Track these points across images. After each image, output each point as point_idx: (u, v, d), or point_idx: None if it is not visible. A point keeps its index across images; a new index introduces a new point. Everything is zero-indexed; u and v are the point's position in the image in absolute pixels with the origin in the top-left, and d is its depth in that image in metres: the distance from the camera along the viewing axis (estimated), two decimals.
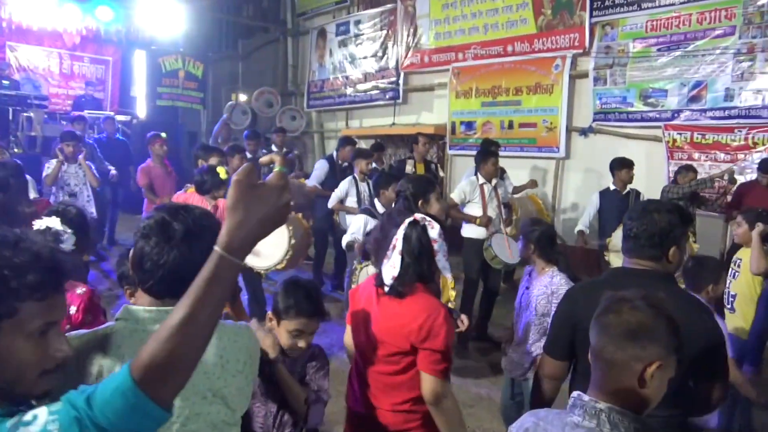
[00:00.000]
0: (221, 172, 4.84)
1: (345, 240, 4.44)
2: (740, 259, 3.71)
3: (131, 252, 1.37)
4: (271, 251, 4.57)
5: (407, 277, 1.99)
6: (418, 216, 2.09)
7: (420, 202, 3.15)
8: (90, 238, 2.62)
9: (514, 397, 3.37)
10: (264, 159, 1.11)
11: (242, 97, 10.38)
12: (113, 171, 7.05)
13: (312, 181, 6.48)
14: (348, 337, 2.27)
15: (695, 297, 2.10)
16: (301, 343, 2.06)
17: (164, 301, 1.34)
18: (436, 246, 2.01)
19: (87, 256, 2.44)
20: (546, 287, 3.06)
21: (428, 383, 1.94)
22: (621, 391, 1.35)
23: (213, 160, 4.25)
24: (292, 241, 4.55)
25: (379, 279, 2.08)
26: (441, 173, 8.17)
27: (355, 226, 4.41)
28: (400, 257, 2.00)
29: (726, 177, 5.54)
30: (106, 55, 11.26)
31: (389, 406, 2.05)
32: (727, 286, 3.73)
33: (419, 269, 1.99)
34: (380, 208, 4.42)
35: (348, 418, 2.27)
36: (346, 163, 6.76)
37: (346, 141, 6.82)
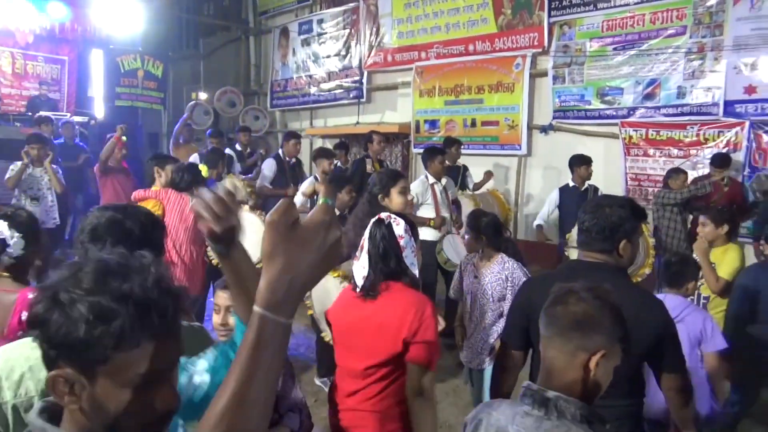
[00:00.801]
0: (203, 170, 4.79)
1: None
2: (714, 264, 3.77)
3: (75, 258, 1.34)
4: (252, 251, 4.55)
5: (376, 276, 2.00)
6: (383, 215, 2.11)
7: (380, 197, 3.16)
8: (41, 244, 2.55)
9: (476, 387, 3.43)
10: (306, 189, 0.98)
11: (202, 96, 10.21)
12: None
13: (261, 182, 6.41)
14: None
15: (645, 291, 2.15)
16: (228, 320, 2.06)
17: None
18: (402, 242, 2.03)
19: (39, 261, 2.36)
20: (499, 273, 3.17)
21: (416, 375, 1.95)
22: (568, 379, 1.38)
23: (168, 169, 4.14)
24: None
25: (353, 282, 2.09)
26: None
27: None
28: (368, 256, 2.02)
29: (724, 181, 5.33)
30: (61, 55, 10.92)
31: (371, 407, 2.04)
32: (697, 288, 3.82)
33: (386, 268, 2.01)
34: (336, 211, 4.42)
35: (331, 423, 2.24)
36: (293, 159, 6.72)
37: (290, 135, 6.77)
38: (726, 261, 3.67)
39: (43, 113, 8.22)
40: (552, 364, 1.42)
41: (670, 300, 2.93)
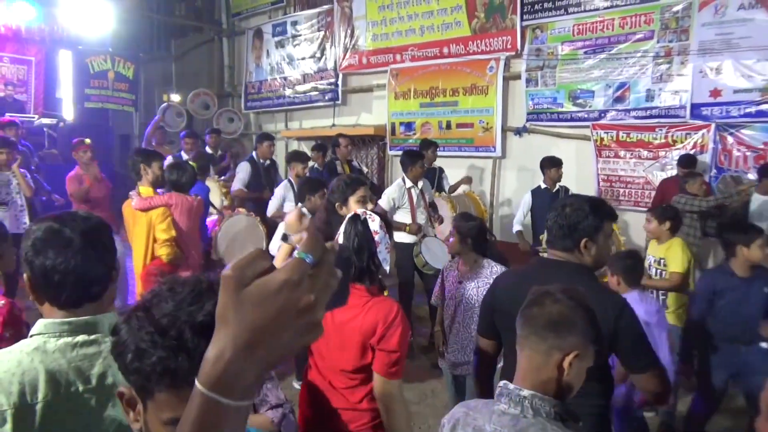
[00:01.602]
0: (194, 165, 4.74)
1: (273, 250, 4.33)
2: (664, 258, 3.93)
3: (25, 276, 1.30)
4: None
5: (349, 273, 1.99)
6: (358, 211, 2.12)
7: (338, 205, 3.11)
8: (3, 250, 2.51)
9: (458, 393, 3.38)
10: (294, 238, 0.78)
11: (174, 98, 10.07)
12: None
13: (236, 185, 6.37)
14: None
15: (604, 288, 2.19)
16: None
17: (77, 311, 1.30)
18: (377, 237, 2.02)
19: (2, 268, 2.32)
20: (486, 278, 3.15)
21: (380, 383, 1.95)
22: (543, 378, 1.42)
23: (156, 166, 4.05)
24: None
25: None
26: (365, 169, 8.19)
27: (278, 235, 4.29)
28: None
29: (750, 190, 5.15)
30: (28, 55, 10.65)
31: (346, 405, 2.05)
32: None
33: (359, 262, 2.00)
34: (307, 214, 4.39)
35: (303, 419, 2.24)
36: (267, 161, 6.69)
37: (263, 137, 6.74)
38: (673, 255, 3.87)
39: (8, 116, 8.01)
40: (527, 364, 1.45)
41: (646, 302, 3.09)
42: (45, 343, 1.24)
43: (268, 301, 0.58)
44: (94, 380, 1.23)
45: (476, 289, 3.17)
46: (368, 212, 2.10)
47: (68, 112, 10.66)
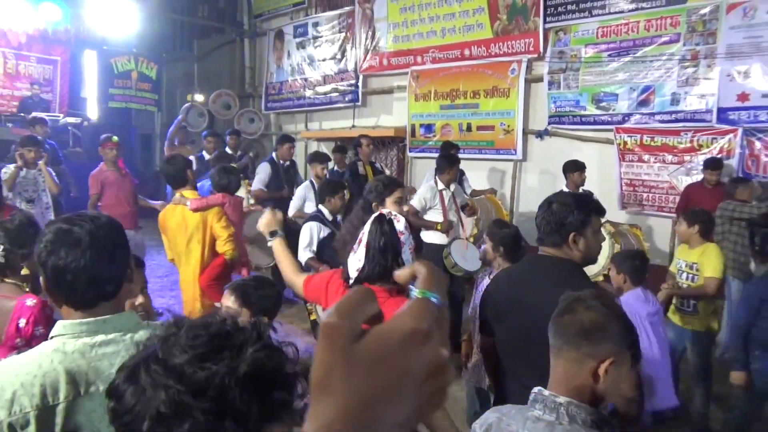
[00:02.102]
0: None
1: (302, 258, 4.37)
2: (696, 263, 3.85)
3: (41, 278, 1.32)
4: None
5: (371, 270, 2.00)
6: (384, 211, 2.13)
7: (375, 205, 3.12)
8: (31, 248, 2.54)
9: (481, 407, 3.30)
10: (402, 272, 0.57)
11: (198, 98, 10.17)
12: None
13: (256, 185, 6.40)
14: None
15: (596, 285, 2.28)
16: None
17: (93, 311, 1.31)
18: (402, 238, 2.03)
19: (26, 268, 2.35)
20: None
21: None
22: (577, 386, 1.40)
23: (191, 173, 4.15)
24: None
25: (344, 272, 2.09)
26: (386, 171, 8.22)
27: (305, 239, 4.34)
28: (365, 249, 2.02)
29: None
30: (54, 55, 10.86)
31: None
32: (684, 288, 3.89)
33: (384, 261, 2.00)
34: (328, 215, 4.43)
35: None
36: (287, 162, 6.72)
37: (283, 139, 6.77)
38: (708, 260, 3.79)
39: (36, 114, 8.16)
40: (562, 372, 1.43)
41: (647, 301, 3.13)
42: (64, 344, 1.25)
43: (389, 361, 0.44)
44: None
45: None
46: (393, 213, 2.11)
47: (92, 112, 10.85)
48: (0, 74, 10.28)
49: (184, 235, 3.89)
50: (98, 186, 5.84)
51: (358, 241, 2.07)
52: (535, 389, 1.46)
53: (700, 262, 3.82)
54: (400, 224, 2.05)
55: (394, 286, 2.02)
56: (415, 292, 0.48)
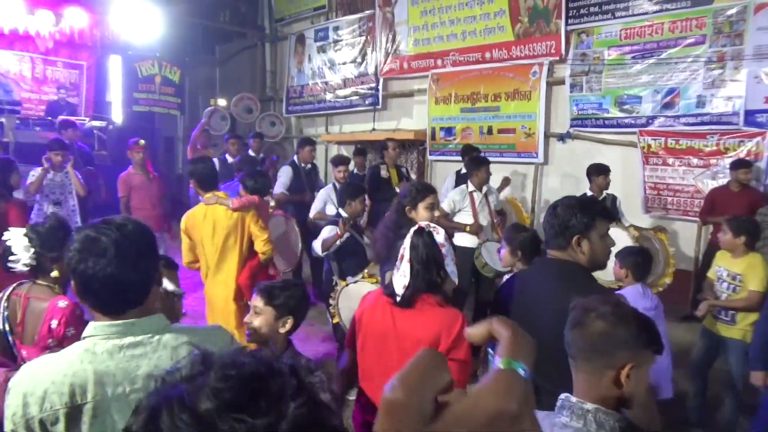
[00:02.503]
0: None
1: (317, 248, 4.37)
2: (741, 275, 3.71)
3: (72, 283, 1.34)
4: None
5: (417, 285, 2.00)
6: (422, 224, 2.12)
7: (408, 209, 3.13)
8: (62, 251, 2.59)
9: None
10: (476, 331, 0.53)
11: (221, 102, 10.27)
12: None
13: (278, 189, 6.44)
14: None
15: (602, 288, 2.18)
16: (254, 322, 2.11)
17: (121, 316, 1.33)
18: (444, 250, 2.04)
19: (56, 271, 2.39)
20: None
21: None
22: (602, 395, 1.39)
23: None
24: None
25: (389, 289, 2.08)
26: (413, 176, 8.24)
27: (320, 241, 4.36)
28: (409, 265, 2.01)
29: None
30: (80, 60, 11.07)
31: None
32: (724, 299, 3.78)
33: (428, 275, 2.01)
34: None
35: None
36: (309, 165, 6.75)
37: (305, 142, 6.80)
38: (754, 273, 3.64)
39: (64, 117, 8.32)
40: (584, 383, 1.43)
41: (645, 297, 3.12)
42: (95, 345, 1.28)
43: None
44: (140, 381, 1.26)
45: None
46: (431, 225, 2.11)
47: (117, 115, 11.02)
48: (28, 79, 10.52)
49: (218, 236, 3.86)
50: (126, 188, 5.94)
51: (400, 257, 2.06)
52: (562, 396, 1.45)
53: (745, 274, 3.67)
54: (440, 236, 2.06)
55: (439, 295, 2.03)
56: (499, 361, 0.40)
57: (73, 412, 1.21)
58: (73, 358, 1.26)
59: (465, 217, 5.08)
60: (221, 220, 3.83)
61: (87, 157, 7.61)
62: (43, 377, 1.24)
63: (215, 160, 6.62)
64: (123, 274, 1.27)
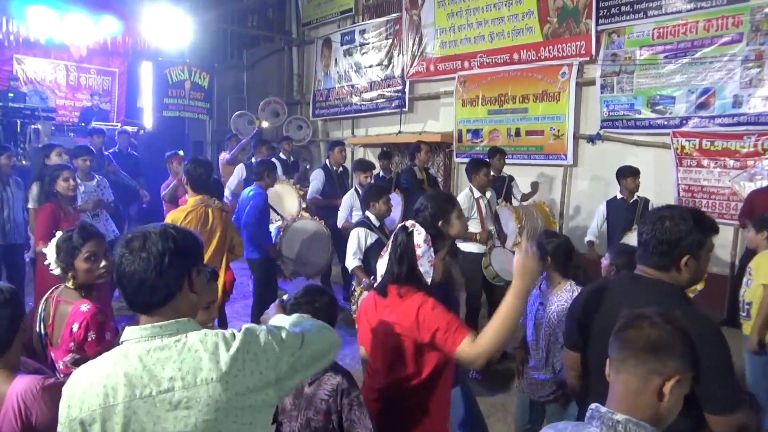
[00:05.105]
0: None
1: (349, 266, 4.40)
2: (751, 268, 3.67)
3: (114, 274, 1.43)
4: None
5: (389, 277, 2.14)
6: (408, 222, 2.19)
7: (440, 223, 2.98)
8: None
9: (533, 420, 3.18)
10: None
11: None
12: (145, 196, 7.05)
13: (311, 194, 6.44)
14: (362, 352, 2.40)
15: (703, 314, 1.89)
16: None
17: (152, 317, 1.37)
18: (419, 251, 2.10)
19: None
20: (566, 302, 2.87)
21: (462, 355, 1.94)
22: (640, 404, 1.34)
23: None
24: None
25: (376, 280, 2.26)
26: (439, 179, 8.25)
27: (353, 246, 4.35)
28: (387, 257, 2.17)
29: None
30: (112, 67, 11.35)
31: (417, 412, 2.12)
32: (741, 294, 3.70)
33: (398, 269, 2.11)
34: (374, 220, 4.42)
35: None
36: (341, 168, 6.75)
37: (335, 143, 6.81)
38: (763, 265, 3.53)
39: (95, 125, 8.50)
40: (624, 388, 1.37)
41: None
42: (127, 349, 1.34)
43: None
44: (165, 383, 1.29)
45: (556, 313, 2.92)
46: (417, 226, 2.15)
47: (148, 120, 11.23)
48: (63, 86, 10.82)
49: (207, 237, 4.09)
50: (174, 198, 6.03)
51: (386, 246, 2.21)
52: (592, 405, 1.40)
53: (755, 267, 3.59)
54: (419, 237, 2.11)
55: (411, 286, 2.10)
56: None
57: (107, 413, 1.29)
58: (108, 361, 1.35)
59: (473, 225, 4.92)
60: (212, 222, 4.10)
61: (133, 162, 7.79)
62: (84, 380, 1.34)
63: (242, 166, 6.67)
64: (145, 273, 1.33)
